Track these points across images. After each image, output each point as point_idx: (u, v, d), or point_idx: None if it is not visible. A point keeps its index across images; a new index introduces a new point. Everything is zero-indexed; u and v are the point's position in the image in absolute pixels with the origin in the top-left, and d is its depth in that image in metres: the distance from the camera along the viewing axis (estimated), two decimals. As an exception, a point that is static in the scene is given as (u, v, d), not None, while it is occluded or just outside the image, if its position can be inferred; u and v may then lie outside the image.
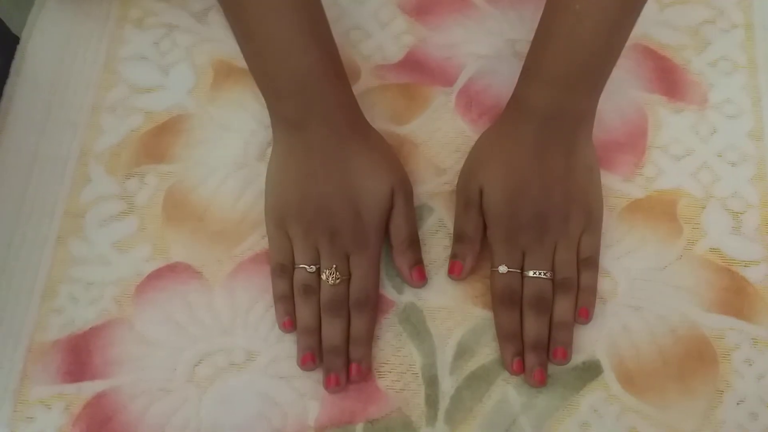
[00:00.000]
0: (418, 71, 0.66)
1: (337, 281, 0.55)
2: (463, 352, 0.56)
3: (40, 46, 0.68)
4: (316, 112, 0.55)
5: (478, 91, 0.65)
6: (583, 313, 0.55)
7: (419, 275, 0.57)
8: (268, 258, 0.58)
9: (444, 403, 0.54)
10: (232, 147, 0.63)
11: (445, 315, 0.57)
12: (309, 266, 0.55)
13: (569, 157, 0.56)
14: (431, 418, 0.54)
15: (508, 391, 0.54)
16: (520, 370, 0.54)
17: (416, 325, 0.57)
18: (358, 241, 0.55)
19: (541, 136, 0.55)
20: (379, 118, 0.63)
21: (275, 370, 0.55)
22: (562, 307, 0.55)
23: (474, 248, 0.57)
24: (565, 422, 0.53)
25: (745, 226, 0.59)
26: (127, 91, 0.66)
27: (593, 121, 0.57)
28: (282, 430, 0.54)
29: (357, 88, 0.65)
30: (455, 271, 0.57)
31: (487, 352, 0.56)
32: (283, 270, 0.56)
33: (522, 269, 0.55)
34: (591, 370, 0.55)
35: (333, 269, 0.55)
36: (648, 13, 0.56)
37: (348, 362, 0.54)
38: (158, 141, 0.63)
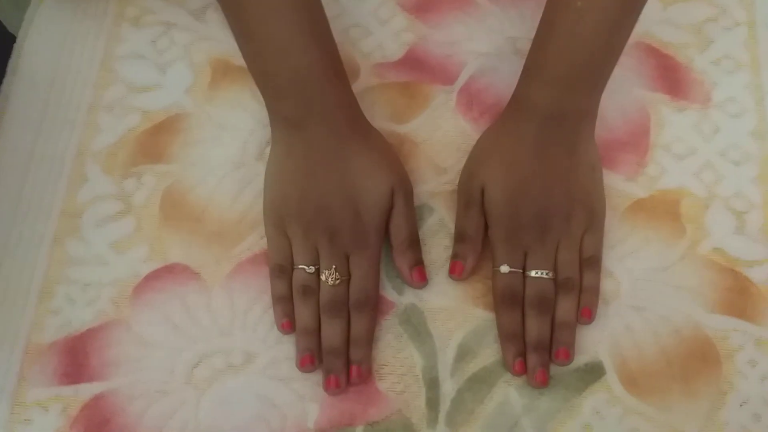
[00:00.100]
0: (419, 69, 0.65)
1: (337, 282, 0.54)
2: (464, 354, 0.55)
3: (36, 45, 0.67)
4: (316, 111, 0.54)
5: (479, 89, 0.64)
6: (586, 313, 0.55)
7: (419, 276, 0.56)
8: (267, 259, 0.57)
9: (445, 405, 0.54)
10: (230, 146, 0.63)
11: (446, 316, 0.56)
12: (308, 267, 0.55)
13: (571, 156, 0.55)
14: (432, 421, 0.53)
15: (509, 392, 0.54)
16: (522, 370, 0.54)
17: (417, 327, 0.56)
18: (358, 241, 0.55)
19: (542, 134, 0.55)
20: (379, 117, 0.63)
21: (274, 371, 0.55)
22: (565, 307, 0.54)
23: (475, 248, 0.56)
24: (567, 424, 0.53)
25: (748, 225, 0.59)
26: (125, 90, 0.65)
27: (595, 119, 0.57)
28: (281, 432, 0.53)
29: (357, 87, 0.64)
30: (456, 271, 0.56)
31: (489, 353, 0.55)
32: (282, 271, 0.55)
33: (524, 269, 0.55)
34: (593, 372, 0.54)
35: (332, 269, 0.54)
36: (650, 11, 0.56)
37: (348, 363, 0.54)
38: (156, 140, 0.63)
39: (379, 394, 0.54)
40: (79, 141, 0.63)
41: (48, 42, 0.67)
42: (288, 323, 0.55)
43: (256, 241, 0.59)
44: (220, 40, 0.67)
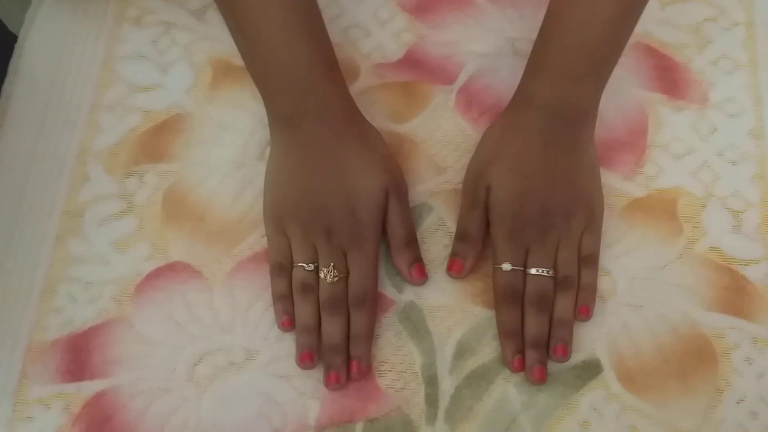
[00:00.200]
0: (418, 69, 0.66)
1: (335, 279, 0.55)
2: (463, 351, 0.55)
3: (38, 45, 0.67)
4: (309, 108, 0.55)
5: (478, 89, 0.65)
6: (584, 311, 0.55)
7: (418, 273, 0.57)
8: (268, 257, 0.57)
9: (444, 402, 0.54)
10: (231, 146, 0.63)
11: (444, 314, 0.57)
12: (307, 264, 0.55)
13: (573, 155, 0.56)
14: (431, 417, 0.54)
15: (508, 389, 0.54)
16: (521, 367, 0.54)
17: (416, 324, 0.57)
18: (355, 238, 0.55)
19: (548, 130, 0.55)
20: (378, 117, 0.63)
21: (275, 369, 0.55)
22: (563, 305, 0.55)
23: (476, 248, 0.57)
24: (565, 421, 0.53)
25: (745, 225, 0.59)
26: (126, 90, 0.66)
27: (596, 119, 0.57)
28: (282, 429, 0.54)
29: (357, 87, 0.64)
30: (455, 269, 0.57)
31: (487, 351, 0.55)
32: (282, 269, 0.56)
33: (524, 267, 0.55)
34: (591, 369, 0.55)
35: (331, 267, 0.55)
36: (649, 11, 0.56)
37: (348, 360, 0.54)
38: (157, 140, 0.63)
39: (378, 390, 0.55)
40: (80, 141, 0.64)
41: (49, 42, 0.68)
42: (288, 321, 0.55)
43: (257, 240, 0.59)
44: (220, 40, 0.67)
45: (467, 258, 0.57)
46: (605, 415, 0.54)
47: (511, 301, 0.55)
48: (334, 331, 0.54)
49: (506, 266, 0.55)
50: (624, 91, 0.64)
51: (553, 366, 0.55)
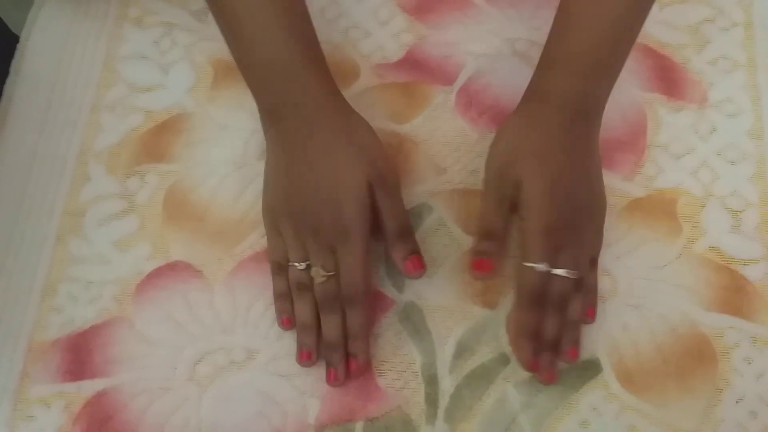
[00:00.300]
0: (418, 70, 0.66)
1: (324, 278, 0.54)
2: (462, 351, 0.56)
3: (39, 45, 0.68)
4: (289, 101, 0.54)
5: (478, 90, 0.65)
6: (591, 313, 0.55)
7: (414, 265, 0.56)
8: (267, 256, 0.58)
9: (444, 402, 0.54)
10: (232, 146, 0.63)
11: (444, 314, 0.57)
12: (299, 263, 0.55)
13: (587, 151, 0.55)
14: (431, 417, 0.54)
15: (507, 389, 0.54)
16: (537, 368, 0.53)
17: (416, 324, 0.57)
18: (340, 235, 0.53)
19: (568, 126, 0.54)
20: (379, 117, 0.63)
21: (275, 368, 0.55)
22: (576, 306, 0.54)
23: (502, 247, 0.54)
24: (565, 420, 0.53)
25: (744, 224, 0.59)
26: (127, 90, 0.66)
27: (601, 118, 0.56)
28: (282, 429, 0.54)
29: (356, 87, 0.65)
30: (483, 267, 0.53)
31: (487, 350, 0.56)
32: (280, 268, 0.56)
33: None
34: (590, 369, 0.55)
35: (318, 266, 0.54)
36: (647, 12, 0.56)
37: (347, 356, 0.54)
38: (158, 140, 0.63)
39: (378, 390, 0.55)
40: (81, 141, 0.64)
41: (51, 42, 0.68)
42: (287, 320, 0.55)
43: (257, 240, 0.59)
44: (221, 41, 0.67)
45: (494, 256, 0.54)
46: (605, 414, 0.54)
47: (540, 302, 0.52)
48: (330, 329, 0.54)
49: (542, 267, 0.51)
50: (623, 92, 0.64)
51: (552, 365, 0.55)
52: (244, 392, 0.55)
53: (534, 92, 0.56)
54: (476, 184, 0.61)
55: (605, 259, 0.58)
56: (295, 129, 0.54)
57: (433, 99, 0.64)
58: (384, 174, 0.55)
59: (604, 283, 0.57)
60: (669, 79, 0.65)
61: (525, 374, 0.54)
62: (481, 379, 0.55)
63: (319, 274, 0.54)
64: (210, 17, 0.68)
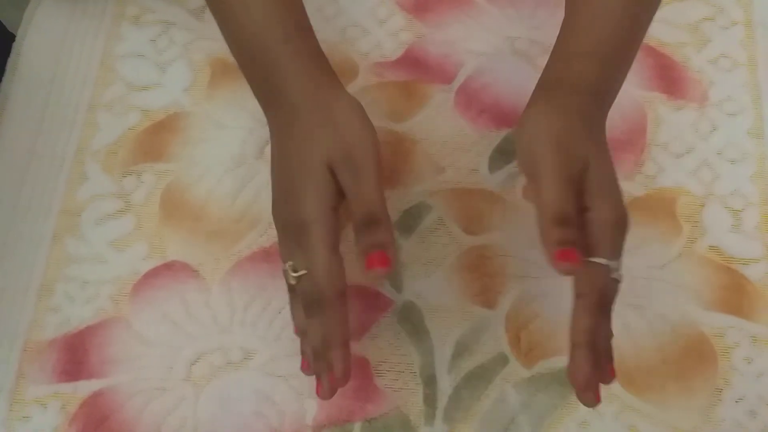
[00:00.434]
0: (417, 68, 0.66)
1: (295, 279, 0.48)
2: (461, 351, 0.55)
3: (36, 44, 0.67)
4: (274, 88, 0.50)
5: (477, 89, 0.64)
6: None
7: (373, 261, 0.45)
8: (267, 256, 0.58)
9: (442, 402, 0.54)
10: (230, 145, 0.63)
11: (443, 314, 0.57)
12: (283, 264, 0.49)
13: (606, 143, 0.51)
14: (429, 417, 0.54)
15: (506, 389, 0.54)
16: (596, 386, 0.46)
17: (415, 324, 0.56)
18: (298, 228, 0.47)
19: (598, 114, 0.50)
20: (377, 115, 0.63)
21: (273, 368, 0.55)
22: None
23: (581, 234, 0.45)
24: (564, 421, 0.53)
25: (744, 224, 0.59)
26: (124, 89, 0.66)
27: None
28: (279, 429, 0.53)
29: (355, 86, 0.64)
30: (572, 258, 0.43)
31: (486, 351, 0.55)
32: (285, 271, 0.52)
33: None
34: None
35: (288, 266, 0.48)
36: (647, 10, 0.56)
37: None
38: (155, 139, 0.63)
39: (377, 390, 0.54)
40: (78, 139, 0.64)
41: (47, 41, 0.68)
42: (295, 327, 0.52)
43: (255, 239, 0.59)
44: (219, 40, 0.66)
45: (577, 245, 0.44)
46: (604, 415, 0.53)
47: (610, 307, 0.46)
48: (311, 335, 0.48)
49: (615, 264, 0.45)
50: (623, 91, 0.63)
51: (552, 366, 0.55)
52: (242, 392, 0.55)
53: (562, 82, 0.50)
54: (476, 183, 0.61)
55: (605, 258, 0.57)
56: (282, 118, 0.50)
57: (432, 98, 0.64)
58: (350, 152, 0.47)
59: (603, 282, 0.57)
60: (669, 77, 0.64)
61: (524, 374, 0.54)
62: (480, 379, 0.54)
63: (288, 276, 0.48)
64: (208, 16, 0.68)
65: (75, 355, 0.56)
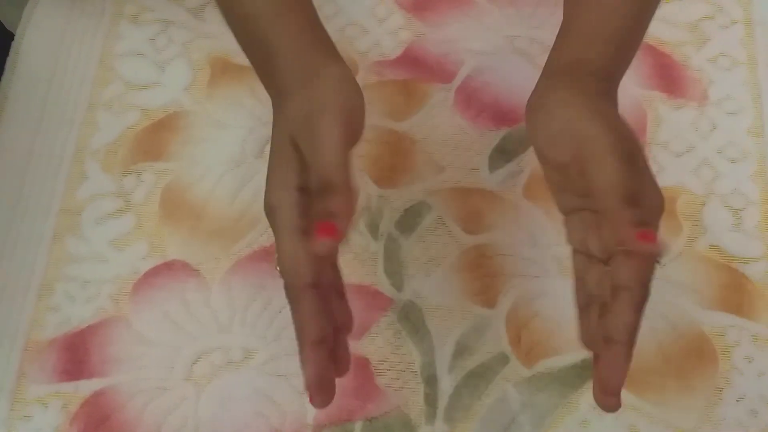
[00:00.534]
0: (416, 67, 0.66)
1: (277, 271, 0.44)
2: (462, 351, 0.55)
3: (35, 43, 0.67)
4: (268, 71, 0.48)
5: (477, 88, 0.64)
6: None
7: (321, 230, 0.40)
8: (268, 255, 0.58)
9: (443, 402, 0.54)
10: (230, 144, 0.63)
11: (444, 313, 0.57)
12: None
13: None
14: (430, 417, 0.54)
15: (507, 389, 0.54)
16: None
17: (415, 324, 0.56)
18: (269, 221, 0.43)
19: (616, 100, 0.48)
20: (377, 114, 0.63)
21: (273, 368, 0.55)
22: None
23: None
24: (565, 420, 0.53)
25: (745, 223, 0.59)
26: (123, 88, 0.66)
27: None
28: (280, 429, 0.53)
29: (355, 85, 0.64)
30: (653, 238, 0.40)
31: (487, 350, 0.55)
32: None
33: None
34: (590, 368, 0.54)
35: (275, 259, 0.44)
36: (647, 9, 0.56)
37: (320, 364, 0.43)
38: (155, 138, 0.63)
39: (377, 390, 0.55)
40: (77, 139, 0.63)
41: (46, 40, 0.67)
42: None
43: (255, 239, 0.59)
44: (219, 38, 0.67)
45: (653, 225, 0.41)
46: (605, 414, 0.53)
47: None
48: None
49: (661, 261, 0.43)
50: (622, 89, 0.63)
51: (552, 365, 0.55)
52: (242, 392, 0.54)
53: (576, 63, 0.48)
54: (476, 182, 0.61)
55: (605, 257, 0.57)
56: (276, 104, 0.47)
57: (431, 97, 0.64)
58: (310, 118, 0.43)
59: (604, 281, 0.57)
60: (669, 76, 0.65)
61: (525, 374, 0.54)
62: (480, 378, 0.54)
63: (275, 269, 0.44)
64: (207, 14, 0.68)
65: (75, 355, 0.56)
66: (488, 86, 0.64)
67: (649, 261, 0.42)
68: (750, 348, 0.55)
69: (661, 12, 0.67)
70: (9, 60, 0.66)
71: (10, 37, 0.67)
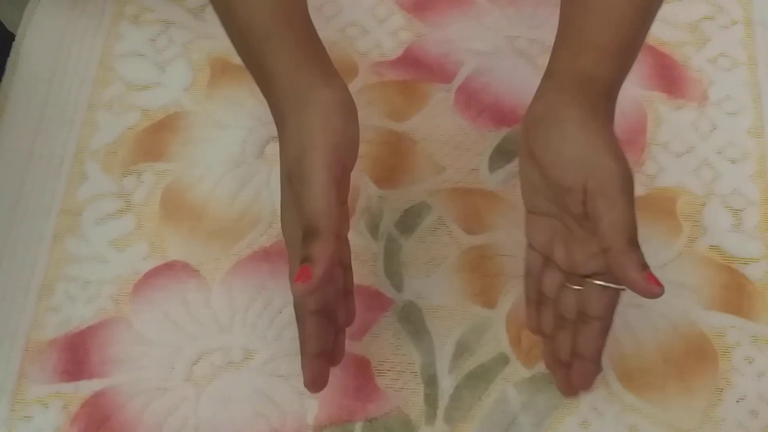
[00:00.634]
0: (417, 68, 0.66)
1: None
2: (462, 351, 0.55)
3: (35, 43, 0.67)
4: (265, 89, 0.49)
5: (477, 88, 0.64)
6: None
7: (299, 275, 0.43)
8: (268, 256, 0.57)
9: (443, 402, 0.54)
10: (230, 145, 0.63)
11: (444, 314, 0.57)
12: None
13: None
14: (430, 417, 0.54)
15: (507, 389, 0.54)
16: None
17: (415, 324, 0.56)
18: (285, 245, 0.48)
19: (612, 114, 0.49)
20: (377, 115, 0.63)
21: (273, 368, 0.55)
22: None
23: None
24: (565, 420, 0.53)
25: (745, 223, 0.59)
26: (124, 88, 0.66)
27: None
28: (281, 429, 0.53)
29: (355, 85, 0.64)
30: (657, 281, 0.44)
31: (487, 350, 0.55)
32: None
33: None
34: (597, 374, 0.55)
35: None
36: (647, 9, 0.56)
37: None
38: (155, 138, 0.63)
39: (378, 390, 0.55)
40: (78, 139, 0.63)
41: (47, 40, 0.67)
42: None
43: (255, 239, 0.59)
44: (219, 39, 0.67)
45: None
46: (605, 414, 0.54)
47: None
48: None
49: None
50: (623, 90, 0.63)
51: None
52: (243, 392, 0.55)
53: (580, 81, 0.48)
54: (476, 182, 0.61)
55: (605, 258, 0.57)
56: (276, 118, 0.49)
57: (431, 97, 0.64)
58: (301, 160, 0.45)
59: (604, 282, 0.57)
60: (669, 77, 0.64)
61: (525, 374, 0.54)
62: (480, 379, 0.54)
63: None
64: (207, 14, 0.69)
65: (76, 355, 0.56)
66: (488, 86, 0.64)
67: (617, 293, 0.47)
68: (750, 348, 0.55)
69: (661, 12, 0.67)
70: (10, 60, 0.66)
71: (10, 37, 0.67)
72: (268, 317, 0.57)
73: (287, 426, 0.54)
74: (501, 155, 0.62)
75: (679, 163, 0.61)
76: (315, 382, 0.48)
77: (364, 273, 0.58)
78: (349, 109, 0.47)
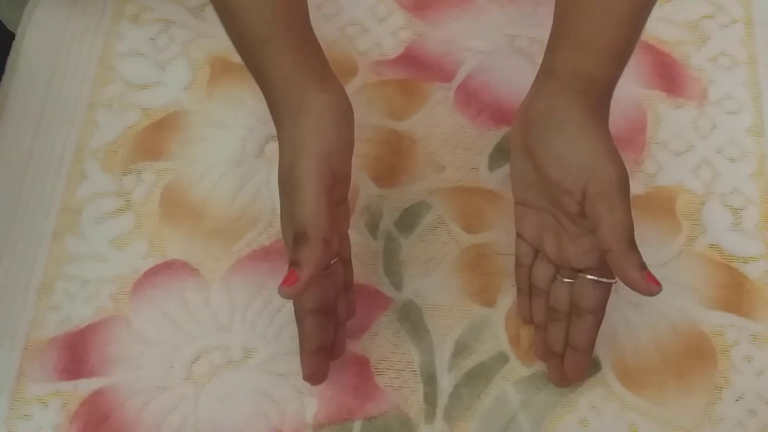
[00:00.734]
0: (416, 67, 0.66)
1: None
2: (461, 350, 0.55)
3: (35, 43, 0.67)
4: (265, 93, 0.50)
5: (477, 87, 0.64)
6: None
7: (286, 279, 0.44)
8: (267, 255, 0.57)
9: (442, 401, 0.54)
10: (230, 144, 0.63)
11: (443, 312, 0.57)
12: None
13: None
14: (430, 416, 0.54)
15: (506, 388, 0.54)
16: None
17: (414, 323, 0.56)
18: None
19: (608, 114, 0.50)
20: (377, 114, 0.63)
21: (273, 367, 0.55)
22: None
23: None
24: (564, 419, 0.53)
25: (744, 222, 0.59)
26: (124, 88, 0.66)
27: None
28: (280, 428, 0.53)
29: (354, 84, 0.64)
30: (656, 280, 0.46)
31: (486, 349, 0.55)
32: None
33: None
34: (590, 367, 0.55)
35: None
36: (647, 8, 0.56)
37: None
38: (155, 137, 0.63)
39: (377, 389, 0.55)
40: (78, 138, 0.63)
41: (47, 39, 0.68)
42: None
43: (255, 238, 0.59)
44: (219, 38, 0.67)
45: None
46: (604, 413, 0.54)
47: None
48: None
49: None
50: (622, 89, 0.63)
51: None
52: (242, 391, 0.55)
53: (574, 80, 0.49)
54: (476, 181, 0.61)
55: (605, 256, 0.57)
56: (275, 121, 0.49)
57: (431, 96, 0.64)
58: (293, 169, 0.46)
59: (603, 281, 0.57)
60: (669, 75, 0.64)
61: (524, 373, 0.54)
62: (480, 377, 0.54)
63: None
64: (207, 14, 0.69)
65: (75, 354, 0.56)
66: (488, 85, 0.64)
67: (609, 286, 0.49)
68: (749, 347, 0.55)
69: (661, 11, 0.67)
70: (9, 59, 0.66)
71: (10, 36, 0.68)
72: (267, 316, 0.57)
73: (286, 424, 0.54)
74: (501, 154, 0.62)
75: (679, 161, 0.61)
76: (314, 377, 0.50)
77: (364, 272, 0.58)
78: (343, 115, 0.48)
